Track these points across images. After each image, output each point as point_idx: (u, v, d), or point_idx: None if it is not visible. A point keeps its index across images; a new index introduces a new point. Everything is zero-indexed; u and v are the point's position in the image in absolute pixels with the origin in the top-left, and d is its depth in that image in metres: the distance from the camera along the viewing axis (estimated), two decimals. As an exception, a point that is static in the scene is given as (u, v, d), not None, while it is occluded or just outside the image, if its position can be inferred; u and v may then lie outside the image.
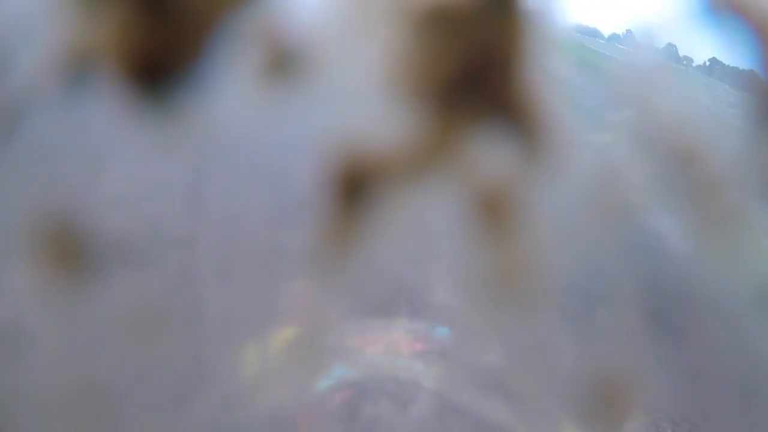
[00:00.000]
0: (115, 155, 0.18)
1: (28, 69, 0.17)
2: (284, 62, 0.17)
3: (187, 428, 0.19)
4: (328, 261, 0.17)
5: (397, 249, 0.18)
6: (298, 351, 0.19)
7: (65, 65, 0.16)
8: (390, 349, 0.21)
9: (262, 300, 0.20)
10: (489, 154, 0.17)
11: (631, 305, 0.19)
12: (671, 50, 0.20)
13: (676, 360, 0.20)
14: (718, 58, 0.20)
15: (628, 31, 0.20)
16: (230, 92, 0.17)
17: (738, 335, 0.19)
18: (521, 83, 0.17)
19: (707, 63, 0.21)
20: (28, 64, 0.17)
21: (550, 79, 0.17)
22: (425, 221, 0.17)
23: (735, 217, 0.18)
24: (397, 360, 0.21)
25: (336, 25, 0.17)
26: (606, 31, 0.21)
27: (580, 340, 0.19)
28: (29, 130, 0.17)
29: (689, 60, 0.20)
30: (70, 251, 0.17)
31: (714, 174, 0.18)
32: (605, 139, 0.18)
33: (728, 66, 0.20)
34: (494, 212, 0.17)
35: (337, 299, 0.19)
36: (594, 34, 0.21)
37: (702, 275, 0.19)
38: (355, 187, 0.17)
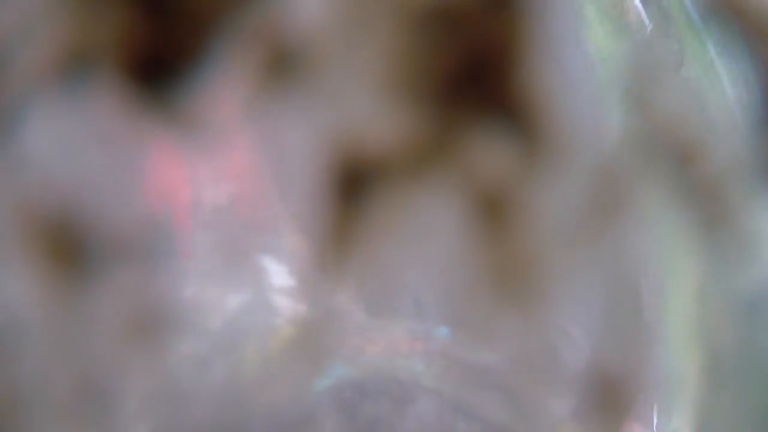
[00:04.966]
0: (113, 153, 0.18)
1: (26, 67, 0.17)
2: (284, 62, 0.17)
3: (187, 428, 0.19)
4: (327, 260, 0.17)
5: (397, 248, 0.18)
6: (298, 351, 0.19)
7: (64, 64, 0.16)
8: (390, 349, 0.21)
9: (262, 298, 0.20)
10: (489, 153, 0.17)
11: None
12: (672, 48, 0.20)
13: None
14: (719, 57, 0.20)
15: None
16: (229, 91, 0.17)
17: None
18: (521, 82, 0.17)
19: (707, 62, 0.21)
20: (27, 63, 0.17)
21: (552, 76, 0.17)
22: (425, 220, 0.17)
23: (735, 216, 0.18)
24: (397, 360, 0.21)
25: (336, 25, 0.17)
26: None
27: (579, 339, 0.19)
28: (27, 129, 0.17)
29: (689, 58, 0.20)
30: (69, 249, 0.17)
31: (714, 172, 0.18)
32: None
33: (728, 66, 0.20)
34: (494, 211, 0.17)
35: (337, 299, 0.19)
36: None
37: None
38: (355, 186, 0.17)
